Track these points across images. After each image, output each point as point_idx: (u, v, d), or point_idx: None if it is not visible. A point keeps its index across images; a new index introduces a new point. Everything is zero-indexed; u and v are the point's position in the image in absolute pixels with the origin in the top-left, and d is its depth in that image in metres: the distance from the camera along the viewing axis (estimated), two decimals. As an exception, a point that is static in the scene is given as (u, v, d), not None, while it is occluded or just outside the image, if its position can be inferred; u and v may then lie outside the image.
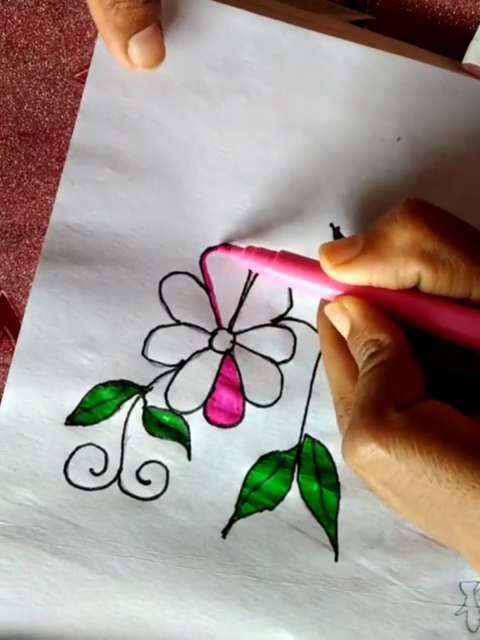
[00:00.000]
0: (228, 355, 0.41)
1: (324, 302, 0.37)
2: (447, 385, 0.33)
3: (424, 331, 0.34)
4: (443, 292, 0.33)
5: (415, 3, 0.44)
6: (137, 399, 0.40)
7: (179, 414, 0.40)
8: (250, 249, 0.39)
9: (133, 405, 0.40)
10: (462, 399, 0.32)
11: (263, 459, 0.41)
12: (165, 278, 0.40)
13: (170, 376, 0.40)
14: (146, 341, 0.40)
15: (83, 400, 0.39)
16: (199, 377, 0.40)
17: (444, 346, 0.34)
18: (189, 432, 0.40)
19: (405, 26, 0.43)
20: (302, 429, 0.41)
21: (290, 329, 0.41)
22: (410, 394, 0.31)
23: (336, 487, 0.41)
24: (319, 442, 0.41)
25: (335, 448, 0.41)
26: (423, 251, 0.33)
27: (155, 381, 0.40)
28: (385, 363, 0.32)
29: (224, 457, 0.40)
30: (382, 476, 0.30)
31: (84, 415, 0.39)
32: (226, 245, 0.40)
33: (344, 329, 0.35)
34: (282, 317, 0.41)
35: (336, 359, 0.36)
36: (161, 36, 0.37)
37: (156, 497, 0.40)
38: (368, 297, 0.35)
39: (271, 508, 0.41)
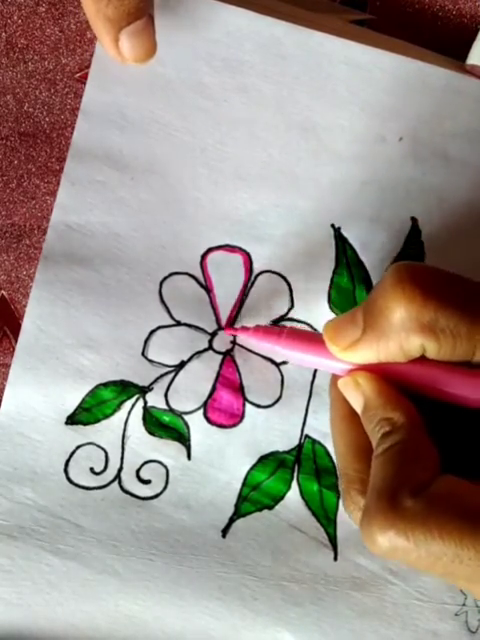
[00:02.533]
0: (228, 355, 0.41)
1: (336, 377, 0.36)
2: (466, 453, 0.33)
3: (437, 400, 0.34)
4: (448, 357, 0.32)
5: (416, 3, 0.44)
6: (137, 399, 0.40)
7: (179, 414, 0.40)
8: (257, 329, 0.38)
9: (133, 405, 0.40)
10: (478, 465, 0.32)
11: (263, 459, 0.41)
12: (165, 278, 0.40)
13: (170, 376, 0.40)
14: (146, 341, 0.40)
15: (84, 400, 0.39)
16: (199, 377, 0.40)
17: (460, 413, 0.34)
18: (189, 432, 0.40)
19: (406, 26, 0.43)
20: (302, 429, 0.41)
21: (290, 329, 0.41)
22: (425, 475, 0.30)
23: (336, 487, 0.41)
24: (319, 442, 0.41)
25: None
26: (421, 323, 0.31)
27: (155, 381, 0.40)
28: (399, 444, 0.32)
29: (224, 457, 0.40)
30: (404, 560, 0.30)
31: (84, 415, 0.39)
32: (233, 326, 0.40)
33: (358, 405, 0.35)
34: (282, 318, 0.41)
35: (345, 434, 0.36)
36: (153, 30, 0.37)
37: (156, 496, 0.40)
38: (379, 370, 0.34)
39: (271, 508, 0.41)
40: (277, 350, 0.37)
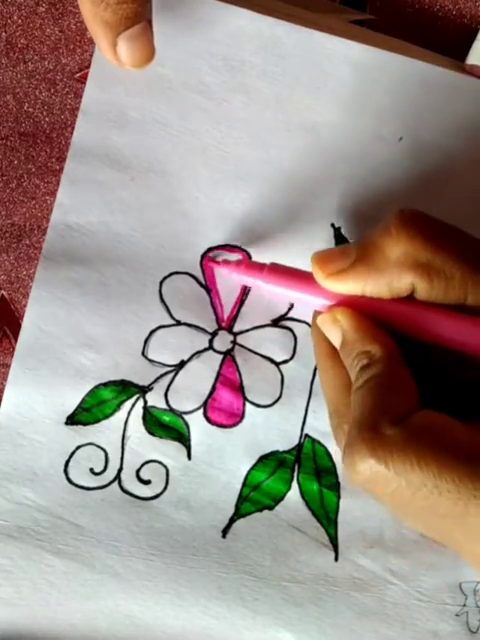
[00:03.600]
0: (228, 355, 0.41)
1: (317, 313, 0.37)
2: (443, 393, 0.33)
3: (418, 339, 0.34)
4: (438, 300, 0.33)
5: (415, 3, 0.44)
6: (137, 399, 0.40)
7: (179, 414, 0.40)
8: (239, 262, 0.38)
9: (133, 405, 0.40)
10: (459, 406, 0.32)
11: (263, 459, 0.41)
12: (165, 278, 0.40)
13: (170, 376, 0.40)
14: (146, 341, 0.40)
15: (83, 400, 0.39)
16: (199, 377, 0.40)
17: (439, 353, 0.34)
18: (189, 432, 0.40)
19: (406, 26, 0.43)
20: (302, 429, 0.41)
21: (290, 329, 0.41)
22: (405, 407, 0.31)
23: (336, 487, 0.41)
24: (319, 442, 0.41)
25: (335, 448, 0.41)
26: (417, 262, 0.32)
27: (155, 381, 0.40)
28: (377, 376, 0.32)
29: (224, 457, 0.40)
30: (383, 490, 0.30)
31: (84, 415, 0.39)
32: (214, 259, 0.40)
33: (336, 340, 0.35)
34: (282, 317, 0.41)
35: (330, 371, 0.36)
36: (151, 35, 0.36)
37: (156, 497, 0.40)
38: (361, 307, 0.34)
39: (271, 508, 0.41)
40: (259, 284, 0.37)
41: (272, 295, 0.38)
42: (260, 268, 0.37)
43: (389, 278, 0.33)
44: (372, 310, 0.34)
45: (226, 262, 0.39)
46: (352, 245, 0.35)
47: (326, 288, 0.35)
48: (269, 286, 0.37)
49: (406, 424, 0.30)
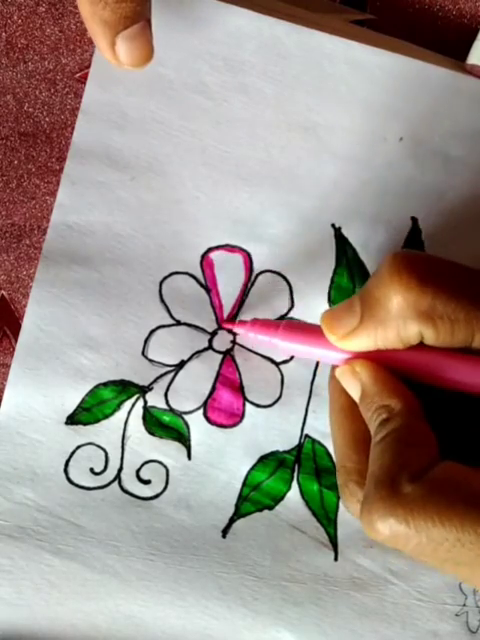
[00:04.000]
0: (228, 355, 0.41)
1: (335, 367, 0.36)
2: (463, 438, 0.33)
3: (437, 386, 0.34)
4: (446, 344, 0.33)
5: (416, 3, 0.44)
6: (137, 399, 0.40)
7: (179, 414, 0.40)
8: (254, 322, 0.38)
9: (133, 405, 0.40)
10: (478, 451, 0.32)
11: (263, 459, 0.41)
12: (165, 278, 0.40)
13: (170, 376, 0.40)
14: (146, 341, 0.40)
15: (83, 400, 0.39)
16: (199, 377, 0.40)
17: (457, 399, 0.34)
18: (189, 432, 0.40)
19: (406, 25, 0.43)
20: (302, 429, 0.41)
21: (290, 329, 0.41)
22: (423, 461, 0.30)
23: (336, 487, 0.41)
24: (319, 442, 0.41)
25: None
26: (418, 310, 0.32)
27: (155, 381, 0.40)
28: (396, 431, 0.32)
29: (224, 457, 0.40)
30: (404, 547, 0.30)
31: (84, 414, 0.39)
32: (231, 320, 0.41)
33: (355, 393, 0.35)
34: (283, 317, 0.41)
35: (343, 426, 0.36)
36: (150, 35, 0.36)
37: (156, 496, 0.40)
38: (377, 358, 0.34)
39: (271, 508, 0.41)
40: (275, 343, 0.37)
41: (290, 352, 0.39)
42: (275, 326, 0.37)
43: (396, 329, 0.32)
44: (388, 361, 0.34)
45: (241, 322, 0.39)
46: (356, 299, 0.34)
47: (341, 348, 0.35)
48: (285, 344, 0.37)
49: (425, 480, 0.29)
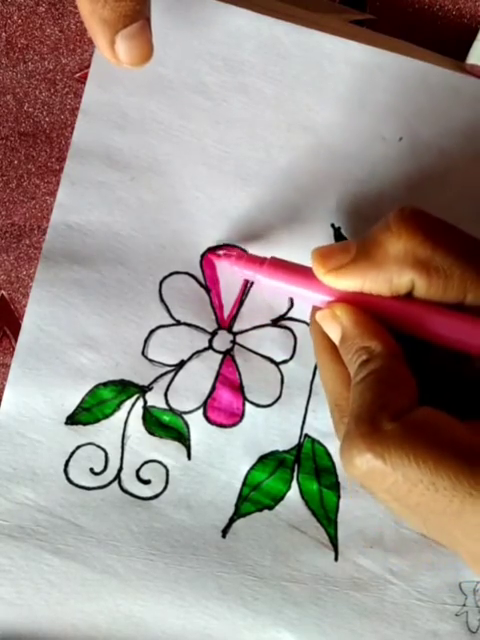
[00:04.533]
0: (228, 355, 0.41)
1: (316, 309, 0.37)
2: (442, 391, 0.33)
3: (418, 337, 0.34)
4: (437, 298, 0.33)
5: (416, 3, 0.44)
6: (137, 399, 0.40)
7: (179, 414, 0.40)
8: (240, 256, 0.38)
9: (133, 405, 0.40)
10: (457, 404, 0.32)
11: (263, 459, 0.41)
12: (165, 278, 0.40)
13: (170, 376, 0.40)
14: (146, 341, 0.40)
15: (83, 399, 0.39)
16: (199, 377, 0.40)
17: (438, 351, 0.34)
18: (189, 432, 0.40)
19: (405, 25, 0.43)
20: (302, 429, 0.41)
21: (290, 329, 0.41)
22: (403, 402, 0.31)
23: (336, 487, 0.41)
24: (319, 442, 0.41)
25: (335, 448, 0.41)
26: (417, 259, 0.33)
27: (155, 381, 0.40)
28: (377, 371, 0.32)
29: (224, 457, 0.40)
30: (380, 485, 0.30)
31: (84, 414, 0.39)
32: (216, 251, 0.40)
33: (336, 336, 0.35)
34: (282, 317, 0.41)
35: (330, 366, 0.36)
36: (150, 34, 0.36)
37: (156, 496, 0.40)
38: (360, 304, 0.34)
39: (271, 508, 0.41)
40: (259, 278, 0.37)
41: (271, 290, 0.38)
42: (260, 262, 0.37)
43: (389, 274, 0.33)
44: (372, 307, 0.34)
45: (227, 255, 0.39)
46: (352, 241, 0.35)
47: (326, 284, 0.35)
48: (269, 280, 0.37)
49: (404, 420, 0.30)
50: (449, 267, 0.33)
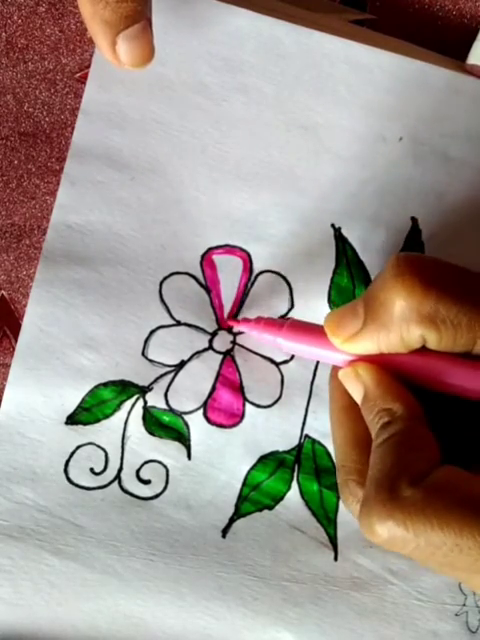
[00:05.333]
0: (228, 355, 0.41)
1: (336, 368, 0.36)
2: (463, 444, 0.33)
3: (439, 391, 0.34)
4: (449, 348, 0.32)
5: (416, 3, 0.44)
6: (137, 399, 0.40)
7: (179, 414, 0.40)
8: (258, 320, 0.38)
9: (133, 405, 0.40)
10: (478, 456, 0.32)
11: (263, 459, 0.41)
12: (165, 278, 0.40)
13: (170, 376, 0.40)
14: (146, 341, 0.40)
15: (83, 400, 0.39)
16: (199, 377, 0.40)
17: (459, 404, 0.34)
18: (189, 432, 0.40)
19: (406, 25, 0.43)
20: (302, 429, 0.41)
21: (290, 329, 0.41)
22: (424, 465, 0.30)
23: (336, 487, 0.41)
24: (319, 442, 0.41)
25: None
26: (421, 314, 0.32)
27: (155, 381, 0.40)
28: (398, 434, 0.32)
29: (224, 457, 0.40)
30: (402, 550, 0.30)
31: (84, 414, 0.39)
32: (235, 318, 0.40)
33: (358, 395, 0.35)
34: (282, 317, 0.41)
35: (343, 425, 0.36)
36: (151, 35, 0.36)
37: (156, 496, 0.40)
38: (380, 362, 0.34)
39: (271, 508, 0.41)
40: (278, 342, 0.37)
41: (293, 351, 0.39)
42: (279, 326, 0.37)
43: (398, 333, 0.32)
44: (390, 365, 0.34)
45: (245, 320, 0.39)
46: (359, 303, 0.34)
47: (344, 350, 0.35)
48: (289, 344, 0.37)
49: (424, 484, 0.29)
50: (456, 316, 0.31)
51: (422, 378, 0.34)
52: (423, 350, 0.33)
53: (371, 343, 0.34)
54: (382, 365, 0.34)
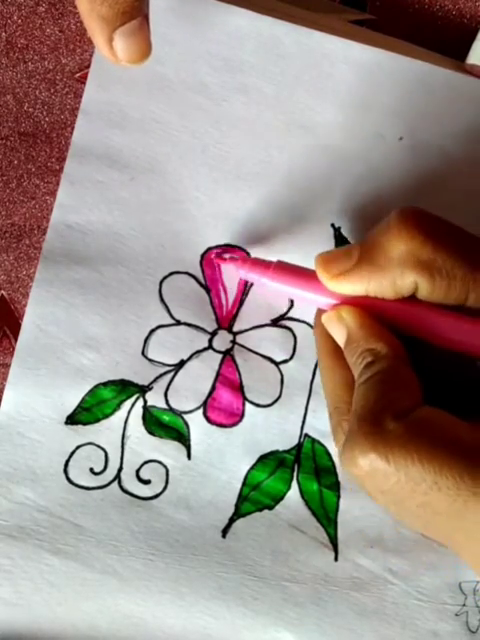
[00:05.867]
0: (228, 355, 0.41)
1: (320, 311, 0.37)
2: (445, 392, 0.33)
3: (422, 339, 0.34)
4: (440, 299, 0.33)
5: (416, 3, 0.44)
6: (137, 399, 0.40)
7: (179, 414, 0.40)
8: (245, 259, 0.39)
9: (133, 405, 0.40)
10: (460, 405, 0.32)
11: (263, 459, 0.41)
12: (165, 278, 0.40)
13: (170, 376, 0.40)
14: (146, 341, 0.40)
15: (83, 399, 0.39)
16: (199, 377, 0.40)
17: (441, 353, 0.34)
18: (189, 432, 0.40)
19: (405, 25, 0.43)
20: (302, 429, 0.41)
21: (290, 329, 0.41)
22: (407, 402, 0.31)
23: (336, 487, 0.41)
24: (319, 442, 0.41)
25: (335, 448, 0.41)
26: (419, 260, 0.32)
27: (155, 381, 0.40)
28: (381, 372, 0.32)
29: (224, 456, 0.40)
30: (382, 485, 0.30)
31: (84, 414, 0.39)
32: (221, 255, 0.40)
33: (341, 338, 0.35)
34: (282, 317, 0.41)
35: (332, 369, 0.36)
36: (148, 31, 0.35)
37: (156, 496, 0.40)
38: (365, 306, 0.34)
39: (271, 507, 0.41)
40: (264, 282, 0.37)
41: (276, 293, 0.38)
42: (266, 266, 0.37)
43: (392, 277, 0.33)
44: (376, 309, 0.34)
45: (232, 259, 0.40)
46: (355, 245, 0.35)
47: (331, 289, 0.35)
48: (274, 284, 0.37)
49: (408, 419, 0.30)
50: (451, 268, 0.32)
51: (408, 325, 0.34)
52: (411, 299, 0.34)
53: (360, 284, 0.34)
54: (367, 309, 0.34)
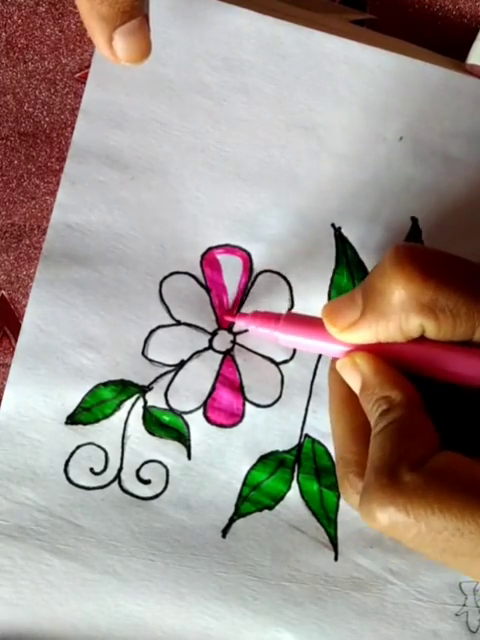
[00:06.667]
0: (228, 355, 0.41)
1: (335, 359, 0.36)
2: (462, 430, 0.33)
3: (437, 379, 0.34)
4: (448, 337, 0.32)
5: (416, 3, 0.44)
6: (137, 399, 0.40)
7: (179, 414, 0.40)
8: (255, 314, 0.38)
9: (133, 405, 0.40)
10: (477, 442, 0.32)
11: (263, 459, 0.41)
12: (165, 278, 0.40)
13: (170, 376, 0.40)
14: (146, 341, 0.40)
15: (83, 399, 0.39)
16: (199, 377, 0.40)
17: (457, 390, 0.34)
18: (189, 432, 0.40)
19: (406, 25, 0.43)
20: (302, 429, 0.41)
21: (290, 329, 0.41)
22: (423, 451, 0.30)
23: (336, 487, 0.41)
24: (319, 442, 0.41)
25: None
26: (420, 303, 0.31)
27: (155, 381, 0.40)
28: (397, 421, 0.31)
29: (224, 457, 0.40)
30: (403, 536, 0.29)
31: (84, 414, 0.39)
32: (230, 311, 0.41)
33: (356, 385, 0.34)
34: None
35: (342, 416, 0.36)
36: (148, 30, 0.35)
37: (156, 496, 0.40)
38: (378, 351, 0.34)
39: (271, 508, 0.41)
40: (276, 336, 0.37)
41: (290, 344, 0.38)
42: (276, 319, 0.37)
43: (397, 322, 0.32)
44: (388, 354, 0.34)
45: (242, 315, 0.39)
46: (357, 292, 0.34)
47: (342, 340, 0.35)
48: (286, 337, 0.37)
49: (425, 469, 0.29)
50: (455, 305, 0.31)
51: (420, 366, 0.34)
52: (422, 339, 0.33)
53: (369, 332, 0.33)
54: (380, 354, 0.34)
